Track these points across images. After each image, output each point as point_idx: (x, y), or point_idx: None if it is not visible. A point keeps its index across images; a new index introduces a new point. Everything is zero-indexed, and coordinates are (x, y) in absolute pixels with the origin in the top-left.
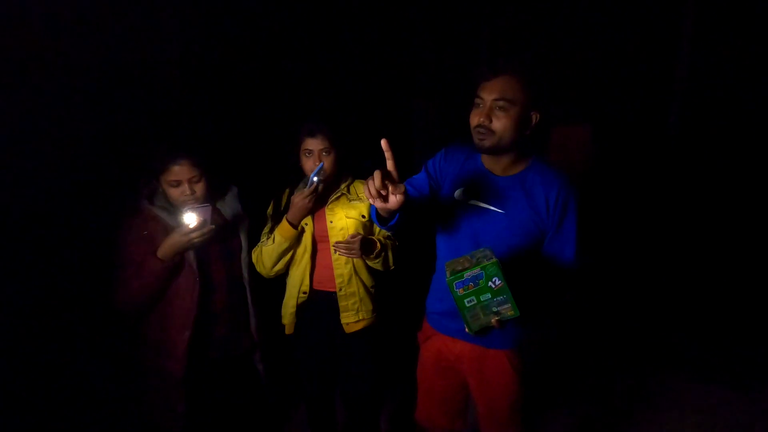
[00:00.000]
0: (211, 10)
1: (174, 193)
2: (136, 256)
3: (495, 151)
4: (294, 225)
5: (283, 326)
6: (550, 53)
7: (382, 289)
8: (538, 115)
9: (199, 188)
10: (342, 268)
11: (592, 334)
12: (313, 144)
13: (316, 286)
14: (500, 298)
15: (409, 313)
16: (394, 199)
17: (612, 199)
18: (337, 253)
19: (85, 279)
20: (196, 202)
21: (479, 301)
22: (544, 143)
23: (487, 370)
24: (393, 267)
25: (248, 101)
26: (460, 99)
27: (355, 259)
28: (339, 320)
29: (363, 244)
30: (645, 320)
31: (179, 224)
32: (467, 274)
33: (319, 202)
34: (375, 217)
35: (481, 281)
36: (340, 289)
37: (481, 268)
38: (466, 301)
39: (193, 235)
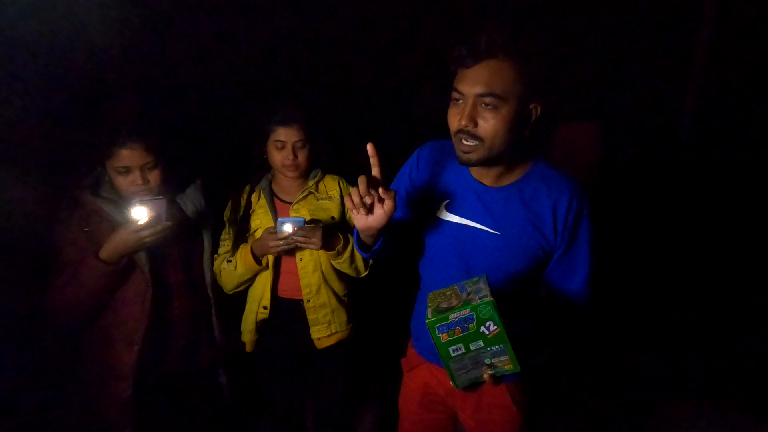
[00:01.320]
0: None
1: (122, 182)
2: (75, 257)
3: (486, 163)
4: (259, 260)
5: (243, 343)
6: (558, 45)
7: (356, 298)
8: (540, 108)
9: (153, 177)
10: (309, 276)
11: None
12: (287, 135)
13: (280, 294)
14: (496, 348)
15: (389, 324)
16: (381, 212)
17: (619, 204)
18: (295, 243)
19: (10, 284)
20: (150, 194)
21: (468, 351)
22: (549, 140)
23: (485, 408)
24: (366, 272)
25: (213, 81)
26: None
27: (323, 266)
28: (308, 335)
29: (325, 234)
30: (646, 331)
31: (127, 219)
32: (453, 316)
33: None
34: (357, 242)
35: (471, 325)
36: (308, 300)
37: (472, 309)
38: (451, 349)
39: (144, 232)
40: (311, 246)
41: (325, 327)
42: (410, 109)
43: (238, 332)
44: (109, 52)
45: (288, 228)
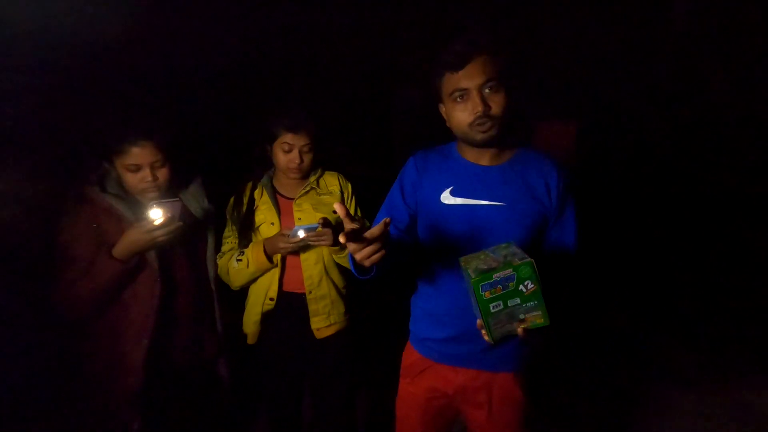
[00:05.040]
0: None
1: (132, 179)
2: (84, 253)
3: (496, 139)
4: (271, 259)
5: (245, 335)
6: (536, 47)
7: (354, 291)
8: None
9: (162, 175)
10: (312, 268)
11: (576, 337)
12: (295, 139)
13: (284, 288)
14: (531, 303)
15: (384, 316)
16: (369, 259)
17: (596, 198)
18: (309, 242)
19: (17, 278)
20: (158, 191)
21: (506, 306)
22: (528, 139)
23: (497, 399)
24: None
25: (215, 83)
26: None
27: (325, 258)
28: (308, 326)
29: (334, 232)
30: (629, 322)
31: (141, 218)
32: (496, 275)
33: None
34: (352, 265)
35: (511, 284)
36: (310, 292)
37: (513, 269)
38: (491, 305)
39: (158, 232)
40: (323, 243)
41: (325, 318)
42: (389, 108)
43: (239, 326)
44: (116, 47)
45: (301, 234)
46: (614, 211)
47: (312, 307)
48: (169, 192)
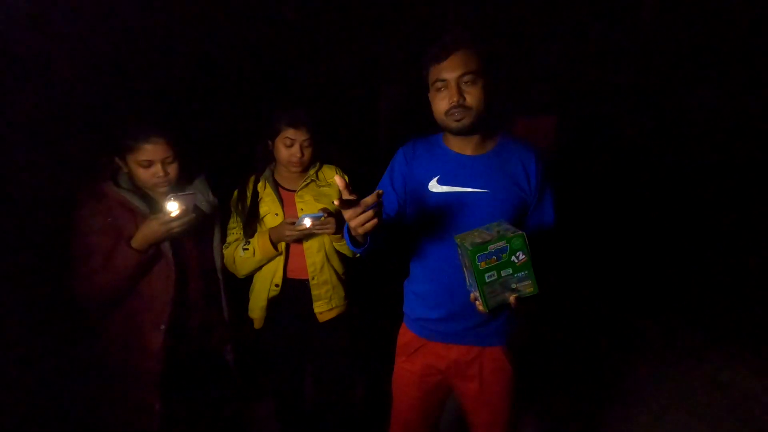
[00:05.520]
0: None
1: (144, 174)
2: (102, 245)
3: (474, 128)
4: (276, 247)
5: (251, 320)
6: (516, 42)
7: (353, 277)
8: (500, 85)
9: (173, 170)
10: (314, 255)
11: (562, 324)
12: (296, 135)
13: (288, 275)
14: (521, 273)
15: (381, 301)
16: (363, 227)
17: (575, 190)
18: (314, 230)
19: (35, 271)
20: (168, 185)
21: (499, 277)
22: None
23: (487, 371)
24: None
25: (216, 83)
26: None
27: (326, 246)
28: (311, 310)
29: (337, 221)
30: (612, 306)
31: (154, 211)
32: (491, 247)
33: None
34: (347, 237)
35: (504, 255)
36: (313, 278)
37: (507, 242)
38: (486, 275)
39: (174, 224)
40: (326, 231)
41: (327, 302)
42: (377, 104)
43: (245, 312)
44: (129, 48)
45: (307, 222)
46: (594, 201)
47: (315, 292)
48: (178, 186)
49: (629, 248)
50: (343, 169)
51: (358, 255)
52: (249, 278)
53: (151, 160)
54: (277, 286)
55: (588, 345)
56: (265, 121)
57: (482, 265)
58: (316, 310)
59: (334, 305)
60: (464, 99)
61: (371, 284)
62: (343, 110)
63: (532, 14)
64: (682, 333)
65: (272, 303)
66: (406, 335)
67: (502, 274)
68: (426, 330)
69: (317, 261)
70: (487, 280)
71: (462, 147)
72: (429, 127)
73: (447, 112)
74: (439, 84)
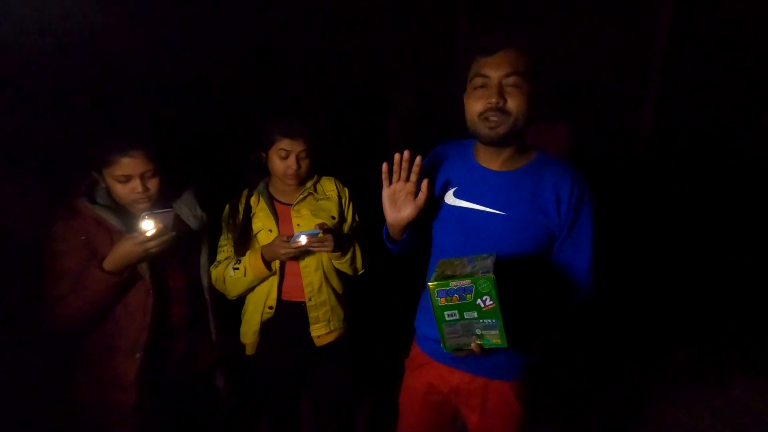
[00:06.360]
0: None
1: (122, 190)
2: (73, 267)
3: (507, 139)
4: (269, 266)
5: (243, 345)
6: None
7: (352, 296)
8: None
9: (153, 185)
10: (312, 275)
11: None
12: (292, 145)
13: (283, 297)
14: (488, 321)
15: (384, 321)
16: (413, 206)
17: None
18: (310, 248)
19: (5, 291)
20: (149, 201)
21: (462, 318)
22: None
23: (490, 405)
24: (362, 271)
25: (207, 89)
26: (439, 93)
27: (325, 265)
28: (308, 333)
29: (336, 238)
30: (627, 323)
31: (132, 230)
32: (454, 284)
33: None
34: (385, 235)
35: (468, 296)
36: (310, 299)
37: (472, 281)
38: (446, 313)
39: (150, 243)
40: (324, 249)
41: (325, 325)
42: (385, 113)
43: (235, 335)
44: (105, 55)
45: (303, 239)
46: (609, 212)
47: (312, 315)
48: (161, 202)
49: (650, 260)
50: (346, 181)
51: (362, 271)
52: (241, 299)
53: (129, 175)
54: (271, 308)
55: (615, 371)
56: (258, 130)
57: (442, 302)
58: (314, 333)
59: (332, 328)
60: (504, 102)
61: (372, 304)
62: (351, 119)
63: (543, 20)
64: (714, 357)
65: (266, 327)
66: (414, 349)
67: (465, 316)
68: (428, 348)
69: (315, 281)
70: (447, 319)
71: (489, 160)
72: (439, 137)
73: (481, 115)
74: (479, 80)
